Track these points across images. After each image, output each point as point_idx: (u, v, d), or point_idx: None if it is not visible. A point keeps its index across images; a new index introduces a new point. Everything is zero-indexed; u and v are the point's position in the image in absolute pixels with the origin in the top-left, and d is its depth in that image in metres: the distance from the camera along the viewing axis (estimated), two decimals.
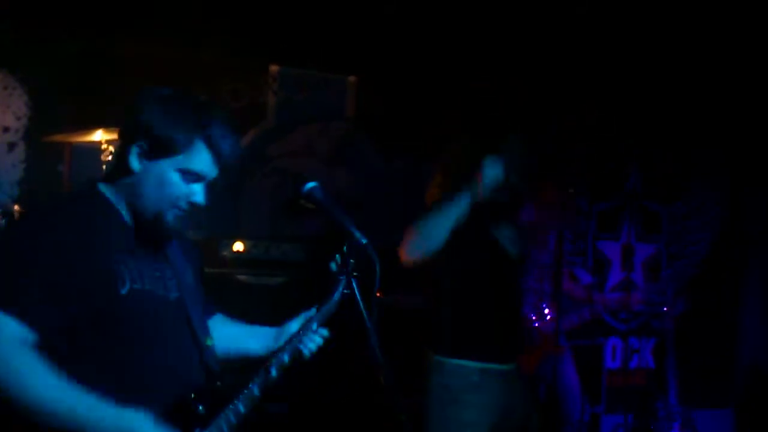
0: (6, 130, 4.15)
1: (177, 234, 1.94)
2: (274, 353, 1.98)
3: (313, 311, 2.05)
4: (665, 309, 4.58)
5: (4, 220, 3.45)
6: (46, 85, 4.17)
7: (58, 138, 3.85)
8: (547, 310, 3.91)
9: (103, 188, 1.85)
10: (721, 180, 5.43)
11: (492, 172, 2.59)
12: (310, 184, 1.97)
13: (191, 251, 2.03)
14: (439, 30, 4.33)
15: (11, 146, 4.16)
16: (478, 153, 2.76)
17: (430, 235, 2.59)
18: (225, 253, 4.09)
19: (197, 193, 1.84)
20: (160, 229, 1.84)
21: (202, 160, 1.80)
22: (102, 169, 3.65)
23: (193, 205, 1.84)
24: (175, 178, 1.80)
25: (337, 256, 2.03)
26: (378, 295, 2.07)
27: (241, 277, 4.03)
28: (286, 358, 1.97)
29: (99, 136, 3.66)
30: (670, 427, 4.55)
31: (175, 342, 1.86)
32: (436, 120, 4.72)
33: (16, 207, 3.53)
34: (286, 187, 4.62)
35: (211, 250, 4.12)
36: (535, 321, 3.90)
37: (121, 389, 1.73)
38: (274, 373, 1.94)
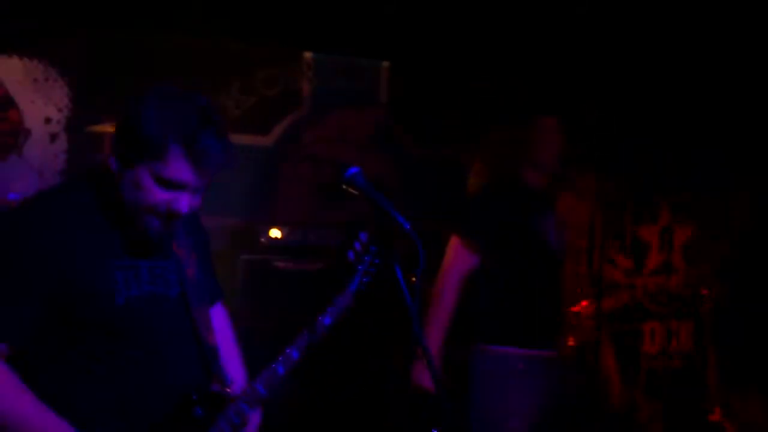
0: (48, 120, 4.23)
1: (182, 221, 1.80)
2: (284, 351, 1.90)
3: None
4: (704, 292, 4.53)
5: None
6: (86, 75, 4.23)
7: (99, 128, 3.90)
8: (585, 295, 3.89)
9: (96, 186, 1.73)
10: (750, 168, 5.35)
11: None
12: (352, 170, 1.97)
13: (197, 234, 1.93)
14: (458, 20, 4.32)
15: (53, 137, 4.23)
16: (514, 142, 2.76)
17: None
18: (262, 239, 4.12)
19: (178, 200, 1.67)
20: (144, 235, 1.71)
21: (179, 168, 1.64)
22: None
23: (175, 213, 1.67)
24: (150, 184, 1.64)
25: (356, 244, 1.96)
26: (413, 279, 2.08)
27: (279, 264, 4.06)
28: (295, 354, 1.91)
29: None
30: (710, 412, 4.52)
31: (174, 342, 1.78)
32: (469, 106, 4.71)
33: None
34: (321, 173, 4.64)
35: (249, 236, 4.16)
36: (575, 306, 3.89)
37: (118, 397, 1.69)
38: (281, 370, 1.89)
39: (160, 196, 1.65)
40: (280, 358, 1.90)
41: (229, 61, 4.42)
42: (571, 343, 3.73)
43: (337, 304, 1.99)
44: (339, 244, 4.18)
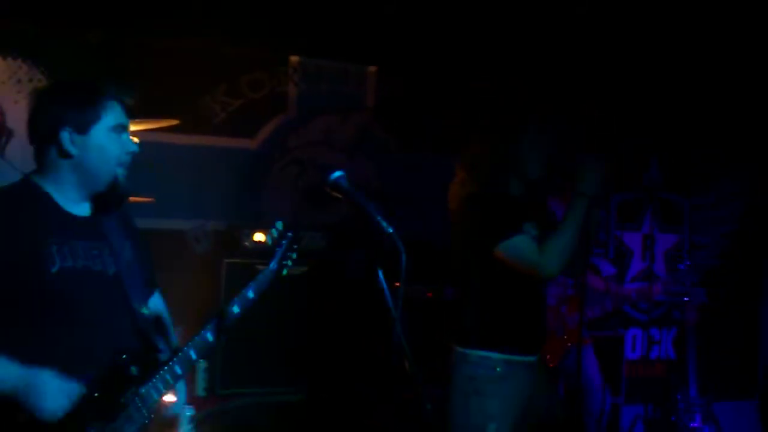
0: None
1: (119, 211, 2.10)
2: (222, 310, 2.09)
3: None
4: (686, 299, 4.55)
5: None
6: (70, 77, 4.20)
7: None
8: (569, 301, 3.91)
9: (37, 179, 2.01)
10: (742, 172, 5.39)
11: (593, 174, 2.70)
12: (337, 173, 1.99)
13: (131, 228, 2.17)
14: (450, 24, 4.33)
15: None
16: (499, 149, 2.77)
17: (569, 250, 2.70)
18: (246, 243, 4.11)
19: (128, 142, 2.02)
20: (118, 193, 2.02)
21: (118, 112, 2.01)
22: None
23: (131, 155, 2.03)
24: (110, 137, 1.99)
25: (278, 223, 2.17)
26: (397, 285, 2.07)
27: (262, 267, 4.04)
28: (210, 335, 2.05)
29: None
30: (691, 419, 4.54)
31: (109, 313, 1.99)
32: (457, 110, 4.71)
33: None
34: (306, 176, 4.64)
35: (232, 240, 4.15)
36: (558, 313, 3.90)
37: (52, 361, 1.87)
38: (210, 337, 2.05)
39: (119, 144, 1.99)
40: (209, 325, 2.07)
41: (216, 64, 4.41)
42: (554, 348, 3.74)
43: (258, 281, 2.21)
44: (326, 247, 4.18)
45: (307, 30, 4.33)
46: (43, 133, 1.99)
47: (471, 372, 2.74)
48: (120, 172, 2.01)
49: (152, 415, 1.96)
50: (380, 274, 1.94)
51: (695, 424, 4.54)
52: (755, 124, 5.13)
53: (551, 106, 4.57)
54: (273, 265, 2.22)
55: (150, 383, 1.97)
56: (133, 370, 1.94)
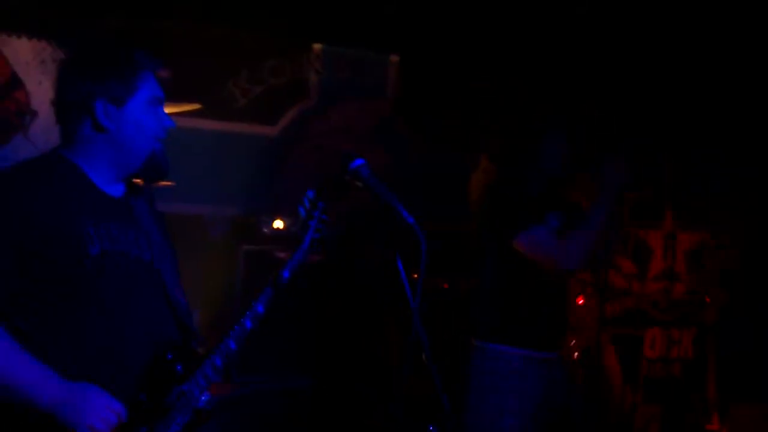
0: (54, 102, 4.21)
1: (144, 194, 1.96)
2: (250, 305, 1.97)
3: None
4: (707, 300, 4.50)
5: None
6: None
7: None
8: (581, 301, 3.87)
9: (67, 154, 1.84)
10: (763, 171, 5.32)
11: (618, 172, 2.68)
12: (358, 162, 1.96)
13: (156, 211, 2.03)
14: (454, 19, 4.31)
15: None
16: (525, 144, 2.75)
17: (591, 246, 2.67)
18: (265, 230, 4.10)
19: (165, 115, 1.90)
20: (156, 169, 1.89)
21: (153, 83, 1.87)
22: None
23: (168, 130, 1.90)
24: (147, 110, 1.85)
25: (305, 200, 2.07)
26: (415, 276, 2.05)
27: (281, 255, 4.04)
28: (260, 308, 1.97)
29: None
30: (707, 420, 4.49)
31: (150, 301, 1.85)
32: (476, 104, 4.69)
33: None
34: (327, 164, 4.63)
35: (251, 227, 4.15)
36: (578, 310, 3.86)
37: (94, 353, 1.74)
38: (249, 324, 1.95)
39: (155, 118, 1.86)
40: (248, 313, 1.96)
41: (238, 50, 4.40)
42: (573, 345, 3.71)
43: (294, 258, 2.06)
44: (345, 235, 4.16)
45: (330, 17, 4.31)
46: (75, 105, 1.81)
47: (489, 366, 2.72)
48: (157, 147, 1.87)
49: (193, 412, 1.85)
50: (400, 264, 1.91)
51: (712, 426, 4.49)
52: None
53: (552, 105, 4.54)
54: (307, 240, 2.07)
55: (192, 380, 1.85)
56: (179, 368, 1.82)
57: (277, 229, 4.09)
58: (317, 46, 4.67)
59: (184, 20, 4.19)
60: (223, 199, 4.44)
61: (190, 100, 3.78)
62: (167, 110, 3.67)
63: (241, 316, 1.94)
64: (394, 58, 4.80)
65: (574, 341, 3.72)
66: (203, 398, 1.90)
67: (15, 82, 4.14)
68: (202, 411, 1.88)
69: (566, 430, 2.82)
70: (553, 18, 4.22)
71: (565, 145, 2.80)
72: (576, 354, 3.73)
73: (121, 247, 1.81)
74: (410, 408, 3.64)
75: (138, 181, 1.96)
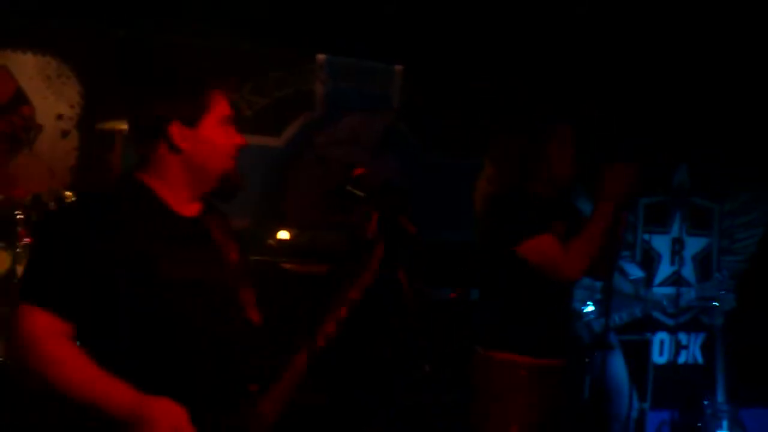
0: (60, 117, 4.24)
1: (218, 213, 1.97)
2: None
3: None
4: (715, 304, 4.48)
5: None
6: (98, 73, 4.24)
7: (110, 125, 3.91)
8: (596, 305, 3.86)
9: (141, 176, 1.86)
10: None
11: (620, 178, 2.68)
12: (360, 172, 1.96)
13: (231, 230, 2.04)
14: (454, 19, 4.32)
15: (65, 133, 4.24)
16: (527, 149, 2.74)
17: (594, 253, 2.67)
18: (270, 241, 4.11)
19: (236, 134, 1.91)
20: (230, 187, 1.90)
21: (224, 103, 1.89)
22: None
23: (240, 146, 1.92)
24: (219, 130, 1.87)
25: (373, 220, 2.01)
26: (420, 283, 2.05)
27: (286, 266, 4.05)
28: (343, 314, 1.99)
29: None
30: (718, 425, 4.46)
31: (224, 322, 1.85)
32: (483, 111, 4.68)
33: (68, 193, 3.60)
34: (331, 175, 4.63)
35: (257, 238, 4.15)
36: (585, 317, 3.85)
37: (169, 375, 1.75)
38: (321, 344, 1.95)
39: (227, 137, 1.88)
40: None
41: (242, 62, 4.42)
42: (581, 354, 3.70)
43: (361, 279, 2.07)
44: (350, 247, 4.16)
45: (334, 28, 4.33)
46: (150, 127, 1.83)
47: (493, 375, 2.71)
48: (230, 165, 1.89)
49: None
50: (401, 274, 1.91)
51: (722, 431, 4.47)
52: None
53: (553, 106, 4.53)
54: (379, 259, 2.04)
55: (265, 399, 1.86)
56: (253, 387, 1.83)
57: (283, 240, 4.10)
58: (321, 57, 4.69)
59: (188, 33, 4.21)
60: (228, 210, 4.45)
61: None
62: None
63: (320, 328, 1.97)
64: (399, 67, 4.81)
65: (579, 349, 3.70)
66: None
67: (20, 98, 4.17)
68: None
69: None
70: (553, 18, 4.22)
71: (570, 151, 2.79)
72: (581, 362, 3.71)
73: (195, 269, 1.82)
74: (412, 416, 3.64)
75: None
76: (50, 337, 1.70)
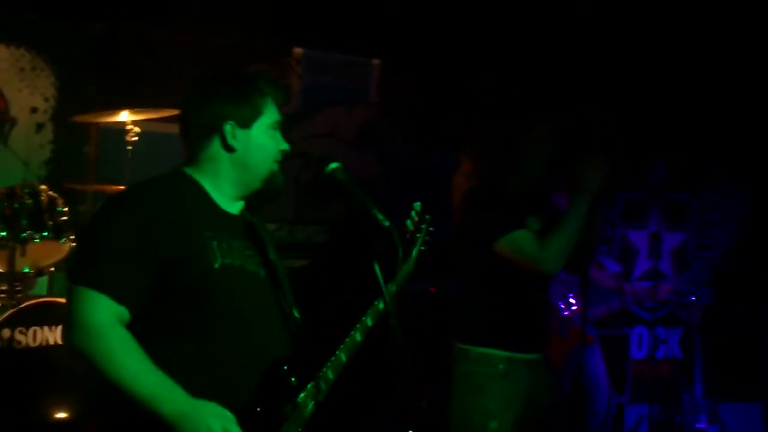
0: (34, 110, 4.19)
1: (257, 214, 2.03)
2: (360, 319, 2.03)
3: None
4: (693, 299, 4.50)
5: (31, 200, 3.47)
6: (73, 66, 4.19)
7: (85, 119, 3.86)
8: (573, 300, 3.86)
9: (190, 171, 1.94)
10: (747, 172, 5.34)
11: (595, 172, 2.69)
12: (333, 165, 1.97)
13: (268, 231, 2.09)
14: (450, 22, 4.31)
15: (39, 127, 4.19)
16: (504, 145, 2.75)
17: (570, 247, 2.67)
18: None
19: (282, 140, 1.99)
20: (274, 190, 1.97)
21: (274, 109, 1.97)
22: (127, 149, 3.66)
23: (284, 153, 2.00)
24: (269, 134, 1.96)
25: (413, 213, 2.08)
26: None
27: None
28: (370, 321, 2.03)
29: (125, 116, 3.66)
30: (696, 419, 4.49)
31: (266, 317, 1.91)
32: (461, 106, 4.68)
33: (43, 187, 3.55)
34: (309, 170, 4.61)
35: None
36: (562, 311, 3.86)
37: (214, 363, 1.80)
38: (359, 337, 2.00)
39: (275, 142, 1.97)
40: (358, 326, 2.03)
41: (218, 56, 4.38)
42: (558, 347, 3.70)
43: (402, 272, 2.11)
44: (328, 240, 4.15)
45: (311, 21, 4.30)
46: (206, 126, 1.92)
47: (472, 369, 2.71)
48: (275, 168, 1.98)
49: (305, 425, 1.89)
50: (376, 267, 1.90)
51: (701, 425, 4.50)
52: (758, 123, 5.09)
53: (551, 105, 4.54)
54: (415, 253, 2.14)
55: (305, 392, 1.89)
56: (293, 380, 1.85)
57: None
58: (298, 51, 4.66)
59: (163, 26, 4.18)
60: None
61: (169, 106, 3.76)
62: (147, 116, 3.66)
63: (352, 330, 2.01)
64: (376, 61, 4.80)
65: (559, 343, 3.71)
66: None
67: None
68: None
69: (550, 431, 2.82)
70: (553, 18, 4.22)
71: (546, 145, 2.79)
72: (561, 356, 3.72)
73: (240, 263, 1.88)
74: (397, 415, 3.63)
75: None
76: (111, 326, 1.73)
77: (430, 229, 2.20)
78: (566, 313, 3.88)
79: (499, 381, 2.68)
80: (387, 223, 1.89)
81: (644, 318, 5.15)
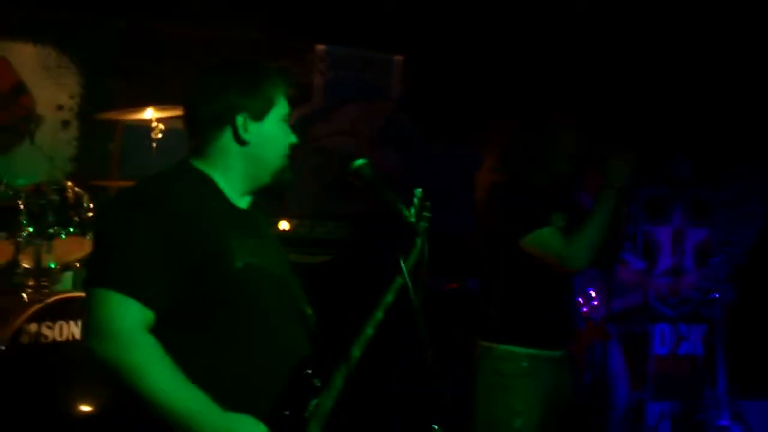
0: (60, 108, 4.23)
1: (262, 208, 1.96)
2: (370, 312, 1.97)
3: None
4: (716, 295, 4.47)
5: (57, 197, 3.51)
6: (98, 63, 4.24)
7: (110, 116, 3.90)
8: (594, 295, 3.85)
9: (199, 165, 1.85)
10: None
11: (621, 167, 2.69)
12: (359, 161, 1.96)
13: (270, 224, 2.04)
14: (476, 15, 4.31)
15: (65, 124, 4.24)
16: (530, 142, 2.75)
17: (597, 243, 2.66)
18: None
19: (291, 133, 1.93)
20: (285, 181, 1.92)
21: (285, 101, 1.90)
22: (152, 146, 3.69)
23: (295, 143, 1.94)
24: (280, 127, 1.89)
25: (417, 191, 1.99)
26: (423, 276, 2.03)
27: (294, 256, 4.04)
28: (380, 314, 1.96)
29: (150, 114, 3.69)
30: (718, 416, 4.47)
31: (288, 316, 1.86)
32: (482, 102, 4.68)
33: (69, 183, 3.59)
34: (331, 166, 4.63)
35: None
36: (583, 307, 3.85)
37: (241, 367, 1.74)
38: (370, 331, 1.94)
39: (286, 135, 1.90)
40: (369, 321, 1.96)
41: (241, 52, 4.40)
42: (579, 343, 3.70)
43: (409, 262, 2.02)
44: (350, 236, 4.17)
45: (333, 18, 4.32)
46: (217, 117, 1.82)
47: (496, 366, 2.71)
48: (285, 162, 1.91)
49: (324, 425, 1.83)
50: (402, 264, 1.90)
51: (723, 422, 4.47)
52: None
53: (575, 101, 4.53)
54: (419, 242, 2.01)
55: (326, 392, 1.84)
56: (317, 382, 1.81)
57: (282, 230, 4.10)
58: (321, 48, 4.67)
59: (186, 23, 4.20)
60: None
61: None
62: (171, 113, 3.69)
63: (363, 324, 1.94)
64: (399, 57, 4.80)
65: (580, 339, 3.70)
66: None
67: (21, 89, 4.17)
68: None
69: (574, 427, 2.81)
70: (553, 18, 4.22)
71: (571, 141, 2.79)
72: (582, 352, 3.71)
73: (260, 261, 1.80)
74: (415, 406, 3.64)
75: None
76: (140, 333, 1.64)
77: (429, 216, 2.05)
78: (585, 309, 3.87)
79: (523, 378, 2.68)
80: (413, 220, 1.89)
81: (667, 314, 5.12)
